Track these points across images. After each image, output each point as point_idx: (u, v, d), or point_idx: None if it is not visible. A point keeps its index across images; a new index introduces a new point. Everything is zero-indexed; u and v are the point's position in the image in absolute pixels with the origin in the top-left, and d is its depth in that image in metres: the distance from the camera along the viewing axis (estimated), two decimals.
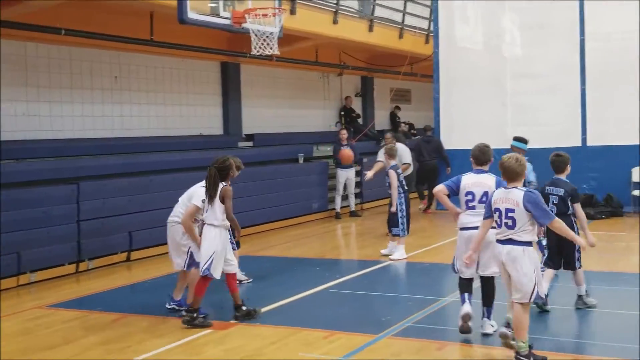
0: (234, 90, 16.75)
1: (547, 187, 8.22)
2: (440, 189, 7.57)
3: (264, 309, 8.59)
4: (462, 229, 7.43)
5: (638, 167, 15.67)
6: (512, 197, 6.46)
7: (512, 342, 6.49)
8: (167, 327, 8.04)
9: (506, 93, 17.22)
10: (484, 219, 6.84)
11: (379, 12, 19.48)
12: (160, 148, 14.24)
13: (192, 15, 10.75)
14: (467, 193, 7.34)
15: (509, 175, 6.55)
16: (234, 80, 16.75)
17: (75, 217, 11.30)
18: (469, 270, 7.36)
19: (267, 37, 11.72)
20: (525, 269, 6.38)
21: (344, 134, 17.16)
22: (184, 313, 8.12)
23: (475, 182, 7.35)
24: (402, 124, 22.81)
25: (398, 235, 11.60)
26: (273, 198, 15.62)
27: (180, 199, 8.73)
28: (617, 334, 7.45)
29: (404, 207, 11.55)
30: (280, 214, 15.82)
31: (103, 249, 11.74)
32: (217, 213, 7.98)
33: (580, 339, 7.34)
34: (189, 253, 8.45)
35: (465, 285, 7.47)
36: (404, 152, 14.76)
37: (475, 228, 7.08)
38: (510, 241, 6.46)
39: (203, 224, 8.16)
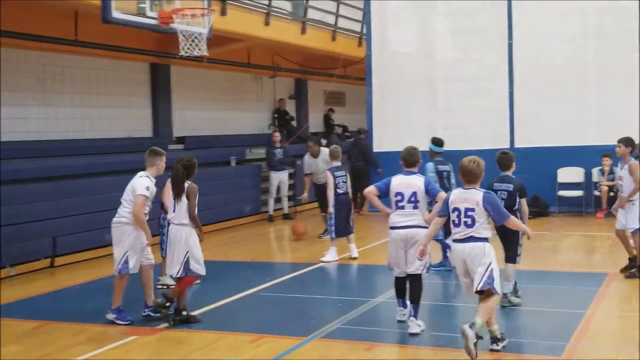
0: (164, 91, 16.51)
1: (495, 184, 8.52)
2: (370, 190, 7.77)
3: (193, 313, 8.47)
4: (392, 228, 7.61)
5: (563, 169, 16.03)
6: (472, 197, 6.75)
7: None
8: (91, 334, 7.87)
9: (437, 96, 17.42)
10: (439, 216, 7.03)
11: (311, 14, 19.48)
12: (87, 151, 13.96)
13: (116, 14, 10.55)
14: (397, 194, 7.54)
15: (468, 177, 6.87)
16: (164, 81, 16.51)
17: None
18: (399, 269, 7.57)
19: (195, 37, 11.58)
20: (487, 260, 6.65)
21: (277, 136, 17.11)
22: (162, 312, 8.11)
23: (404, 183, 7.57)
24: (336, 127, 22.87)
25: (331, 237, 11.61)
26: (205, 201, 15.14)
27: (124, 199, 8.44)
28: (547, 332, 7.54)
29: (333, 210, 11.51)
30: (213, 217, 15.62)
31: (25, 255, 11.43)
32: (183, 212, 8.08)
33: (511, 337, 7.39)
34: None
35: (399, 286, 7.71)
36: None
37: (405, 227, 7.42)
38: (470, 239, 6.71)
39: (169, 224, 8.36)
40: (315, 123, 22.75)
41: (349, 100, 25.33)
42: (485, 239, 6.73)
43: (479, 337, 6.41)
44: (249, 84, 19.90)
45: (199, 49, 11.69)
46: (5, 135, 12.81)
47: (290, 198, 17.76)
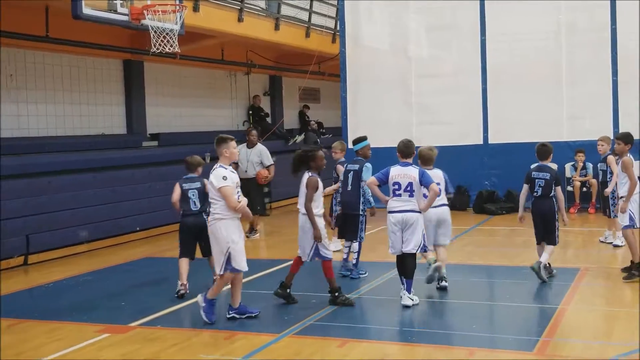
0: (138, 88, 16.42)
1: (533, 172, 9.53)
2: (372, 180, 8.56)
3: (165, 312, 8.46)
4: (390, 212, 8.38)
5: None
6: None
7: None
8: (65, 332, 7.82)
9: (411, 92, 17.48)
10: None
11: (285, 10, 19.48)
12: (59, 148, 13.82)
13: (87, 10, 10.48)
14: (395, 183, 8.32)
15: (422, 160, 8.84)
16: (137, 78, 16.41)
17: None
18: (394, 249, 8.38)
19: (167, 34, 11.54)
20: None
21: (253, 132, 17.04)
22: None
23: (401, 173, 8.31)
24: (312, 122, 22.87)
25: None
26: None
27: (211, 198, 7.94)
28: (519, 327, 7.63)
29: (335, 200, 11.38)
30: None
31: None
32: (301, 201, 8.45)
33: (483, 332, 7.45)
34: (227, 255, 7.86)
35: (402, 265, 8.40)
36: (264, 153, 14.17)
37: (401, 211, 8.26)
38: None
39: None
40: (290, 120, 22.73)
41: (323, 97, 25.35)
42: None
43: None
44: (224, 81, 19.85)
45: (171, 46, 11.66)
46: None
47: (265, 194, 17.72)
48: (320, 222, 8.40)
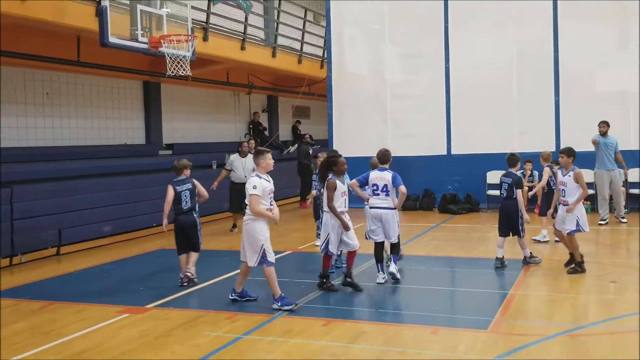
0: (155, 105, 16.35)
1: (502, 177, 9.62)
2: (354, 182, 8.91)
3: (176, 295, 8.41)
4: (370, 207, 8.80)
5: (491, 172, 16.19)
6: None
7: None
8: (89, 312, 7.76)
9: (387, 111, 17.46)
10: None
11: (281, 40, 19.46)
12: (88, 155, 13.74)
13: (113, 39, 10.40)
14: (373, 184, 8.77)
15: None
16: (154, 97, 16.34)
17: (10, 217, 10.81)
18: (377, 236, 8.72)
19: (180, 60, 11.48)
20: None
21: (252, 143, 16.98)
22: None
23: (378, 177, 8.77)
24: (307, 135, 22.80)
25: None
26: None
27: (247, 201, 7.62)
28: (475, 309, 7.60)
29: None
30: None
31: (34, 244, 11.26)
32: (324, 201, 8.37)
33: (444, 313, 7.44)
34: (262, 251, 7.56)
35: (379, 251, 8.75)
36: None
37: (379, 208, 8.69)
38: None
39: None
40: (284, 133, 22.70)
41: (313, 114, 25.31)
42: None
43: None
44: (228, 99, 19.79)
45: (184, 70, 11.58)
46: (20, 142, 12.71)
47: None
48: (345, 217, 8.28)
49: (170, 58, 11.39)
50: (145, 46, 11.21)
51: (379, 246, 8.76)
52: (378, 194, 8.70)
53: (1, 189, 10.78)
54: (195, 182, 9.12)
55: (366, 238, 8.87)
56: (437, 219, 15.30)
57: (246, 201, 7.61)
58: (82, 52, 13.02)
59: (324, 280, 8.47)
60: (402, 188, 8.51)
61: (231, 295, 7.98)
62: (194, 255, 9.04)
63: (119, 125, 15.34)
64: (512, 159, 9.65)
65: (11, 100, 12.55)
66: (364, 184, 8.86)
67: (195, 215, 9.06)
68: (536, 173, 15.02)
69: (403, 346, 6.25)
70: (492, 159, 15.92)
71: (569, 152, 9.19)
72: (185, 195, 8.98)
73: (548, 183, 11.10)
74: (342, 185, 8.38)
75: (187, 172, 9.21)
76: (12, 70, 12.49)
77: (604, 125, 13.66)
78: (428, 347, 6.17)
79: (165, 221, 9.07)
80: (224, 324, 7.13)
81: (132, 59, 14.25)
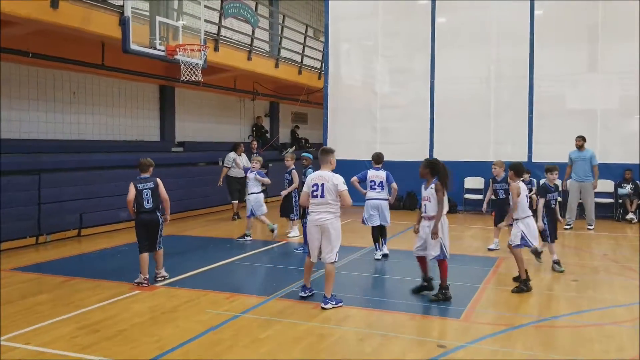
0: (169, 107, 16.39)
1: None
2: (354, 179, 9.51)
3: (183, 276, 8.44)
4: (368, 199, 9.59)
5: (469, 178, 16.26)
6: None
7: None
8: (105, 288, 7.80)
9: (376, 119, 17.51)
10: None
11: (283, 53, 19.49)
12: (108, 149, 13.77)
13: (134, 47, 10.45)
14: (371, 181, 9.61)
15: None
16: (169, 99, 16.38)
17: (37, 201, 10.90)
18: (375, 222, 9.54)
19: (193, 67, 11.51)
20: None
21: (255, 144, 17.07)
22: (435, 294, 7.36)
23: (375, 175, 9.62)
24: (301, 140, 22.87)
25: (294, 219, 11.69)
26: (198, 191, 15.39)
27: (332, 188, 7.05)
28: (451, 300, 7.63)
29: (297, 197, 11.48)
30: (204, 203, 15.62)
31: (58, 226, 11.34)
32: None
33: (422, 302, 7.46)
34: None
35: (376, 233, 9.67)
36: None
37: (377, 199, 9.52)
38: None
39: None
40: (284, 136, 22.73)
41: (310, 120, 25.36)
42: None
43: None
44: (235, 104, 19.82)
45: (196, 76, 11.62)
46: (48, 135, 12.73)
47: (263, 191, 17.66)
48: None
49: (184, 65, 11.43)
50: (162, 54, 11.25)
51: (376, 229, 9.64)
52: (375, 188, 9.55)
53: (30, 177, 10.81)
54: (159, 181, 8.11)
55: (364, 223, 9.66)
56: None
57: (330, 200, 6.89)
58: (106, 57, 13.07)
59: (444, 291, 7.42)
60: (394, 185, 9.55)
61: (305, 293, 7.35)
62: (160, 257, 8.18)
63: (137, 123, 15.38)
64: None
65: (41, 97, 12.59)
66: (362, 180, 9.62)
67: (158, 214, 8.05)
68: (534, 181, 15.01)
69: (384, 329, 6.29)
70: (469, 166, 15.98)
71: (517, 170, 8.08)
72: (147, 194, 7.96)
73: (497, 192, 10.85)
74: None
75: (151, 171, 8.19)
76: (42, 71, 12.52)
77: (580, 140, 13.47)
78: (405, 332, 6.21)
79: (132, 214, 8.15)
80: (224, 303, 7.17)
81: (150, 65, 14.30)
